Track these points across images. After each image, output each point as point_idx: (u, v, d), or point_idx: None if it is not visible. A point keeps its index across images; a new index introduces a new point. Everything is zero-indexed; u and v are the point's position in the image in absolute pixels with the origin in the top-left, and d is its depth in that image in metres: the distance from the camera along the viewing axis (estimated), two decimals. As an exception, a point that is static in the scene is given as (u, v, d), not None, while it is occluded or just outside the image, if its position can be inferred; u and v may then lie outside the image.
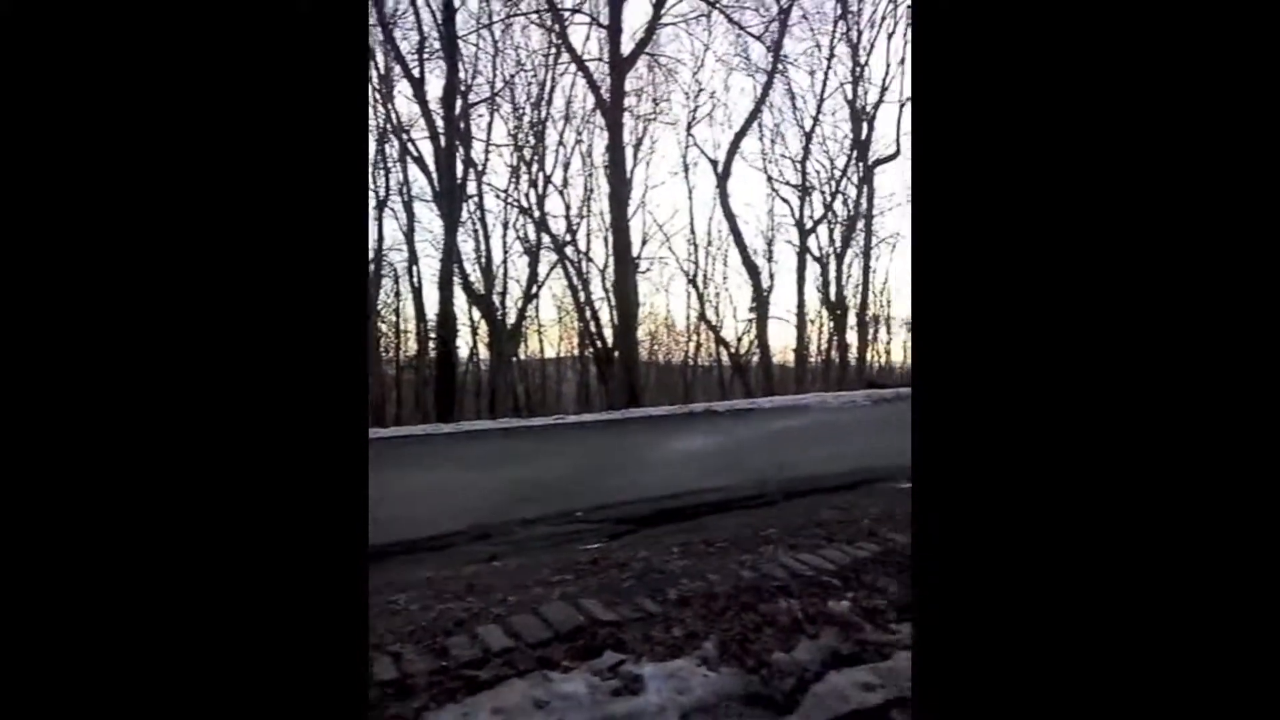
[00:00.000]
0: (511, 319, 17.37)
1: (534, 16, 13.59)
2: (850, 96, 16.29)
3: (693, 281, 19.39)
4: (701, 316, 19.81)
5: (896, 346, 23.32)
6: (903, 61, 15.81)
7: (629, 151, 15.59)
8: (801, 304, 17.34)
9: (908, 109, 16.09)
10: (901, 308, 22.27)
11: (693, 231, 19.65)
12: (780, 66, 14.79)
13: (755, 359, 16.83)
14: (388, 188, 15.80)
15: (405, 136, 14.61)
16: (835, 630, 1.88)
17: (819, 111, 16.37)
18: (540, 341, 21.86)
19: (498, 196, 16.51)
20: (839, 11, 15.53)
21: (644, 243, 18.41)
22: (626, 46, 11.55)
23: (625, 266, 11.71)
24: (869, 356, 20.24)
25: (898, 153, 16.38)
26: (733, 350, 18.00)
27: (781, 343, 19.93)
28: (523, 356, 20.25)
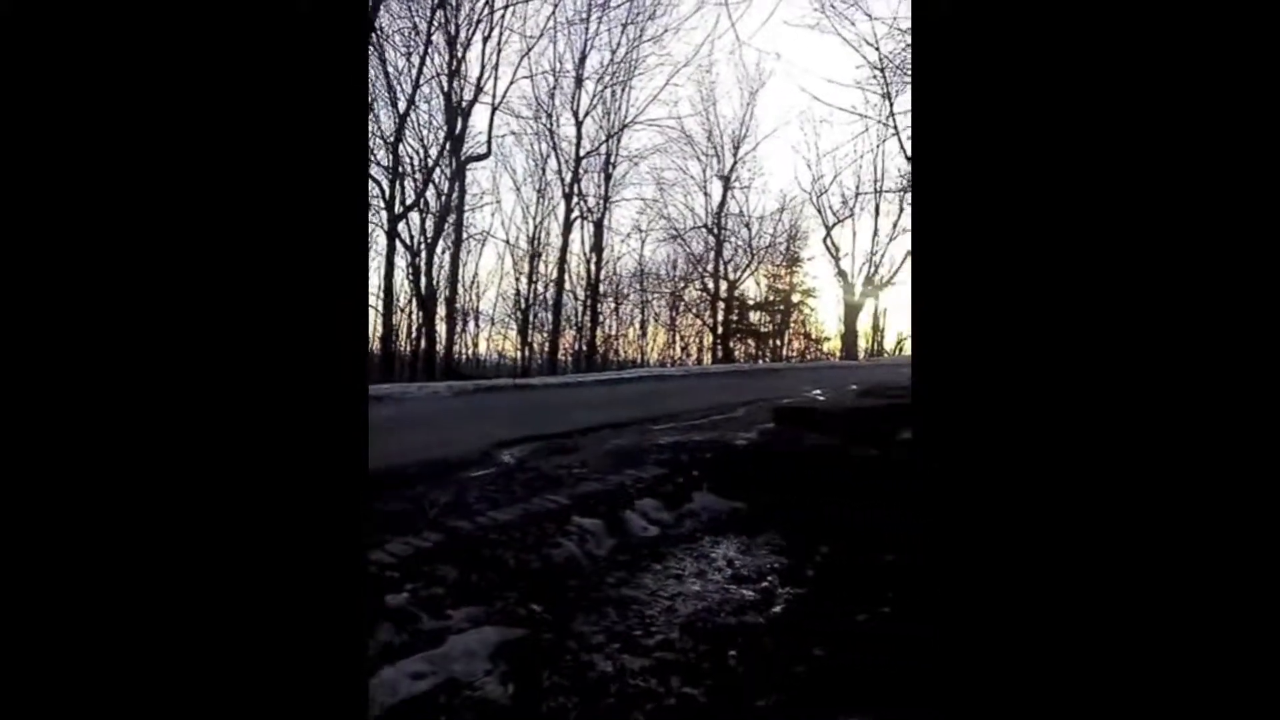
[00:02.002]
0: None
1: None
2: (446, 89, 16.32)
3: (264, 256, 17.13)
4: (274, 296, 17.63)
5: (483, 340, 24.31)
6: (497, 66, 16.46)
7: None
8: (390, 290, 16.77)
9: (499, 112, 16.81)
10: (486, 303, 23.10)
11: (266, 200, 17.32)
12: (375, 41, 14.04)
13: (336, 346, 15.66)
14: None
15: None
16: (390, 625, 1.88)
17: (414, 97, 16.02)
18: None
19: None
20: (437, 0, 15.42)
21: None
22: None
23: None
24: (456, 348, 20.64)
25: (489, 153, 17.03)
26: (310, 336, 16.43)
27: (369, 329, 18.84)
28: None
